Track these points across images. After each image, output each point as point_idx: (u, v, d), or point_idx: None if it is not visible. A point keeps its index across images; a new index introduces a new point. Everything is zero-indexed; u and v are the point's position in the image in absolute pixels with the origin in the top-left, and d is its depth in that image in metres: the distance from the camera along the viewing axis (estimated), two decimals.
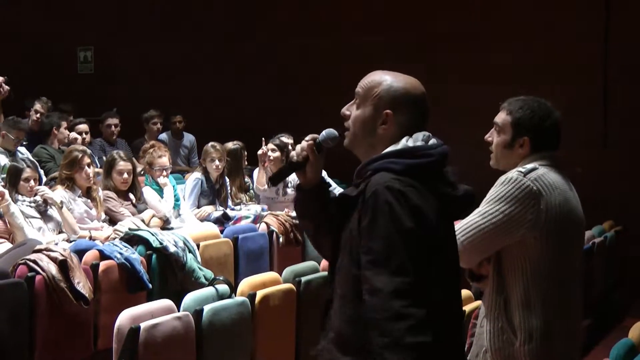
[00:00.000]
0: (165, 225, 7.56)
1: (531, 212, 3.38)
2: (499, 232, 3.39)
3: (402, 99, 2.81)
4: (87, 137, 9.98)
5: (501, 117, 3.63)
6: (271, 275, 5.86)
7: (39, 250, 5.57)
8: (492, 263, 3.49)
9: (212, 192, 8.40)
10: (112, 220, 7.30)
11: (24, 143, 9.00)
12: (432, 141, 2.79)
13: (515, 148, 3.59)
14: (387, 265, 2.58)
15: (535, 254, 3.39)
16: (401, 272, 2.56)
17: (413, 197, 2.62)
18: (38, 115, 10.15)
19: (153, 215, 7.50)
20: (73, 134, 9.66)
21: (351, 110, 2.87)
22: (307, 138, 2.92)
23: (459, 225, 3.44)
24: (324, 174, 9.55)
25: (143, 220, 7.23)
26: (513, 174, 3.45)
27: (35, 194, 6.75)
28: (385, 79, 2.84)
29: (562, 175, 3.57)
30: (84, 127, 10.01)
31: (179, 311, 4.84)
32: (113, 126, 10.66)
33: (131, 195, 7.58)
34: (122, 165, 7.47)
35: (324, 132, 2.91)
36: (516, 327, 3.40)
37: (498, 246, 3.44)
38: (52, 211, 6.80)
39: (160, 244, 6.39)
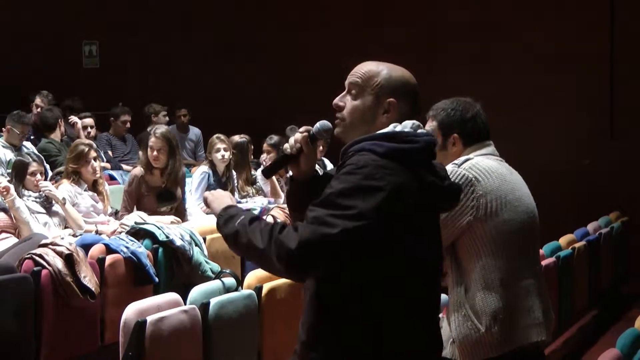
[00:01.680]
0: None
1: (471, 199, 3.48)
2: (446, 224, 3.44)
3: (402, 88, 2.81)
4: (93, 131, 10.00)
5: (429, 124, 3.75)
6: None
7: (45, 245, 5.57)
8: (450, 256, 3.57)
9: (219, 186, 8.37)
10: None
11: (31, 137, 9.01)
12: (421, 131, 2.79)
13: (449, 148, 3.72)
14: (334, 202, 2.58)
15: (485, 238, 3.48)
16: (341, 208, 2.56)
17: (389, 178, 2.61)
18: (39, 109, 10.17)
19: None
20: (74, 118, 9.69)
21: (345, 101, 2.85)
22: (300, 130, 2.91)
23: None
24: (330, 166, 9.57)
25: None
26: (448, 167, 3.53)
27: (39, 190, 6.76)
28: (382, 69, 2.83)
29: (499, 161, 3.68)
30: (89, 121, 10.03)
31: (185, 304, 4.83)
32: (127, 122, 10.69)
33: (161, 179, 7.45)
34: (152, 141, 7.36)
35: (317, 124, 2.90)
36: (480, 313, 3.46)
37: (450, 238, 3.52)
38: (57, 207, 6.81)
39: (167, 237, 6.39)
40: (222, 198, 2.85)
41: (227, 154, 8.37)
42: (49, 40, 13.68)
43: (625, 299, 9.14)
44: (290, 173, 2.99)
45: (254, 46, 12.52)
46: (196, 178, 8.42)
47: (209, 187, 8.35)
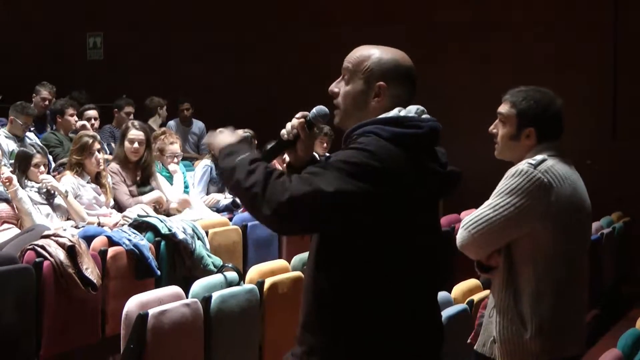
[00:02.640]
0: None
1: (542, 204, 3.37)
2: (510, 224, 3.38)
3: (393, 70, 2.80)
4: (96, 123, 9.97)
5: (505, 108, 3.62)
6: (280, 262, 5.86)
7: (47, 236, 5.57)
8: (503, 255, 3.47)
9: (221, 179, 8.39)
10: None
11: (31, 129, 9.00)
12: (425, 116, 2.77)
13: (522, 139, 3.58)
14: (334, 165, 2.58)
15: (546, 245, 3.39)
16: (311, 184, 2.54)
17: (391, 162, 2.60)
18: (47, 102, 10.17)
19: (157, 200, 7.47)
20: (80, 122, 9.66)
21: (339, 87, 2.85)
22: (297, 115, 2.91)
23: (469, 217, 3.45)
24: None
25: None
26: (523, 166, 3.44)
27: (41, 182, 6.76)
28: (373, 52, 2.84)
29: (568, 164, 3.56)
30: (93, 112, 9.98)
31: (187, 298, 4.84)
32: (131, 114, 10.67)
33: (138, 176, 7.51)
34: (134, 134, 7.38)
35: (314, 109, 2.90)
36: (526, 319, 3.40)
37: (508, 238, 3.43)
38: (59, 198, 6.80)
39: (169, 230, 6.39)
40: (229, 135, 2.88)
41: None
42: (52, 32, 13.66)
43: (627, 299, 9.14)
44: (287, 159, 2.98)
45: (259, 40, 12.49)
46: (199, 171, 8.42)
47: (211, 180, 8.36)
